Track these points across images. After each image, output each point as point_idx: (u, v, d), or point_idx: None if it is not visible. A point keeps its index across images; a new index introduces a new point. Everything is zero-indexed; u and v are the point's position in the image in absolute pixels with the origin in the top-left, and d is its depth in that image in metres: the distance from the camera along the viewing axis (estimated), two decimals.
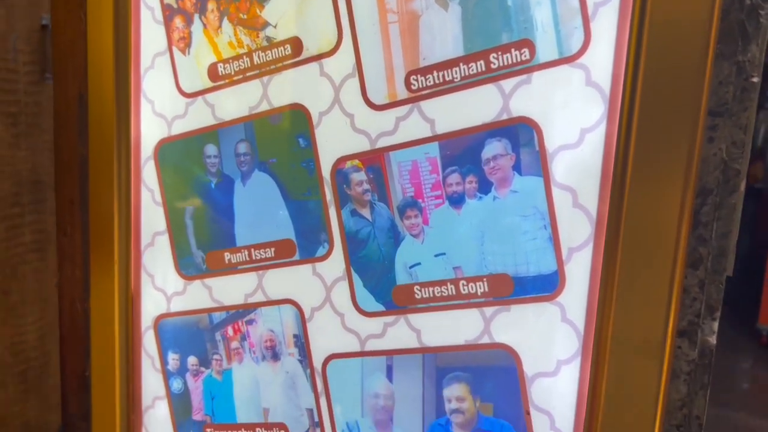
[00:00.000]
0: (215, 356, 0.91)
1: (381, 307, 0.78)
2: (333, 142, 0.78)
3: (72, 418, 1.14)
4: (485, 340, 0.73)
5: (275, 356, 0.86)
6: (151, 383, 0.97)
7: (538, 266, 0.69)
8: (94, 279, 0.97)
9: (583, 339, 0.68)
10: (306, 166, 0.80)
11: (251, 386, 0.89)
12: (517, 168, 0.69)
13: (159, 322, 0.94)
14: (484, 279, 0.72)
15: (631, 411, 0.66)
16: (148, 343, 0.96)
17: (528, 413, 0.72)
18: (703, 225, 0.65)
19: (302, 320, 0.83)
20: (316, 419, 0.84)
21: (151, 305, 0.95)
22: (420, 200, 0.74)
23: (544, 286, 0.69)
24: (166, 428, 0.97)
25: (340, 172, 0.78)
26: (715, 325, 0.67)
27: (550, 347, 0.70)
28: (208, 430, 0.93)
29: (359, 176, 0.77)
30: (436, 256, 0.74)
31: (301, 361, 0.84)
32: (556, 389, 0.70)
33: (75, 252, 1.08)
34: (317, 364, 0.83)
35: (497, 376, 0.73)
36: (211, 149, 0.86)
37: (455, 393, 0.75)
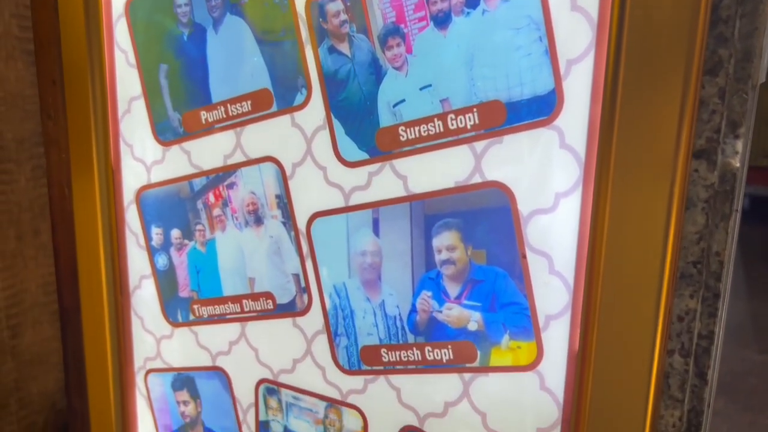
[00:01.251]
0: (198, 226, 0.86)
1: (365, 155, 0.71)
2: None
3: (67, 312, 1.11)
4: (476, 179, 0.65)
5: (258, 220, 0.80)
6: (137, 262, 0.93)
7: (533, 86, 0.61)
8: (73, 157, 0.92)
9: (584, 166, 0.60)
10: (279, 1, 0.72)
11: (236, 255, 0.83)
12: None
13: (141, 195, 0.89)
14: (474, 109, 0.64)
15: (638, 245, 0.58)
16: (132, 218, 0.91)
17: (524, 257, 0.64)
18: (724, 22, 0.55)
19: (284, 178, 0.77)
20: (303, 285, 0.79)
21: (132, 178, 0.90)
22: (402, 25, 0.66)
23: (540, 109, 0.61)
24: (153, 308, 0.93)
25: (314, 4, 0.70)
26: (739, 145, 0.57)
27: (548, 179, 0.62)
28: (195, 306, 0.89)
29: (335, 6, 0.69)
30: (421, 89, 0.67)
31: (284, 223, 0.78)
32: (555, 227, 0.63)
33: (60, 135, 1.03)
34: (301, 224, 0.77)
35: (490, 218, 0.65)
36: None
37: (445, 242, 0.68)
